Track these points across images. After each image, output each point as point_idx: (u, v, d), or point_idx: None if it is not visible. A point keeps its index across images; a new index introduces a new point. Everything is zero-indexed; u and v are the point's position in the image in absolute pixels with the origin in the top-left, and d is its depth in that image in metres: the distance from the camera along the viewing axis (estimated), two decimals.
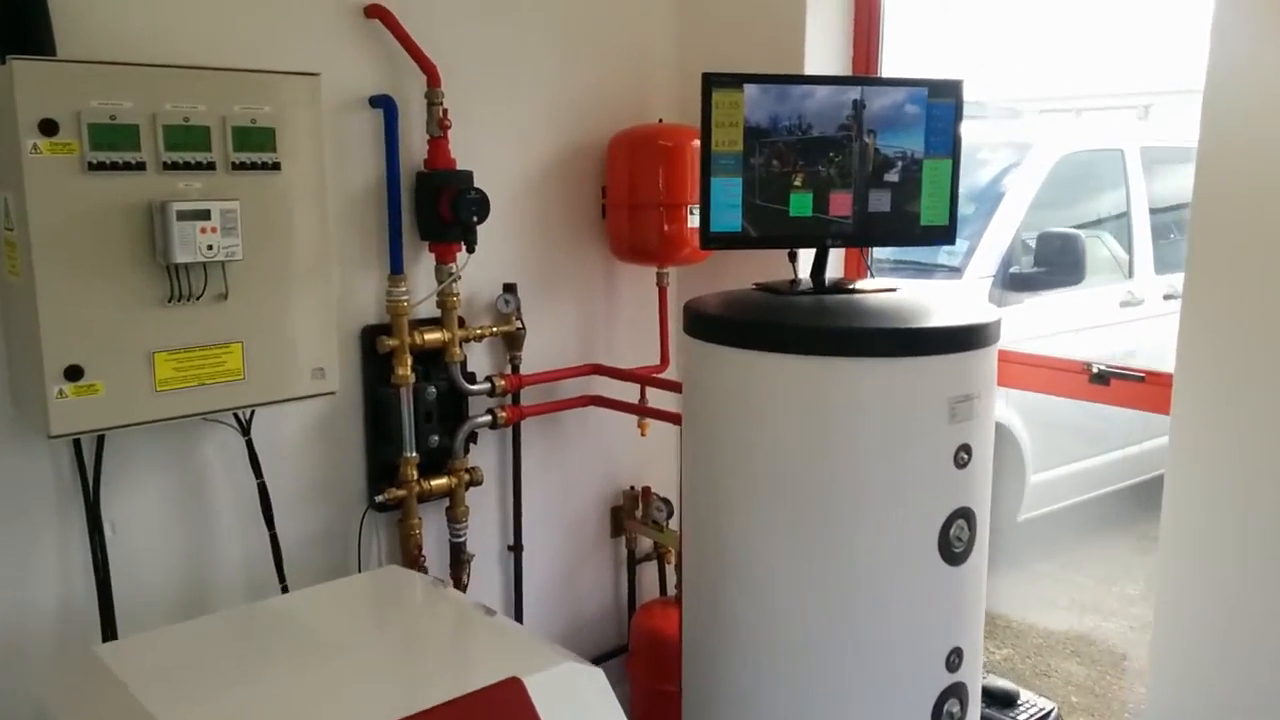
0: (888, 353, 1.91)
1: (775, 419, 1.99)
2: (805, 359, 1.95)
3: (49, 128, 1.82)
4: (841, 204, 2.30)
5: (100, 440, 2.13)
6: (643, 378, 2.91)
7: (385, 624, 2.03)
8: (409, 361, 2.52)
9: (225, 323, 2.06)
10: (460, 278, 2.60)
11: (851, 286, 2.33)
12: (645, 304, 3.07)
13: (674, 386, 2.79)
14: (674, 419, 2.74)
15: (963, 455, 1.94)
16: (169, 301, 1.98)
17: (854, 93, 2.26)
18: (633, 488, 3.12)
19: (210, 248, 1.97)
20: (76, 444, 2.11)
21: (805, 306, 2.15)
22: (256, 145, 2.06)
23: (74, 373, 1.89)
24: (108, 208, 1.89)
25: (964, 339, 1.95)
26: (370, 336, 2.52)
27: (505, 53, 2.70)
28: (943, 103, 2.29)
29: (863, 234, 2.32)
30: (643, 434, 2.98)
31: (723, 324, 2.08)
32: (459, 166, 2.56)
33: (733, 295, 2.32)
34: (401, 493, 2.55)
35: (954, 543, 1.95)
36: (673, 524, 2.96)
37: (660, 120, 2.92)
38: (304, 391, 2.20)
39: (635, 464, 3.15)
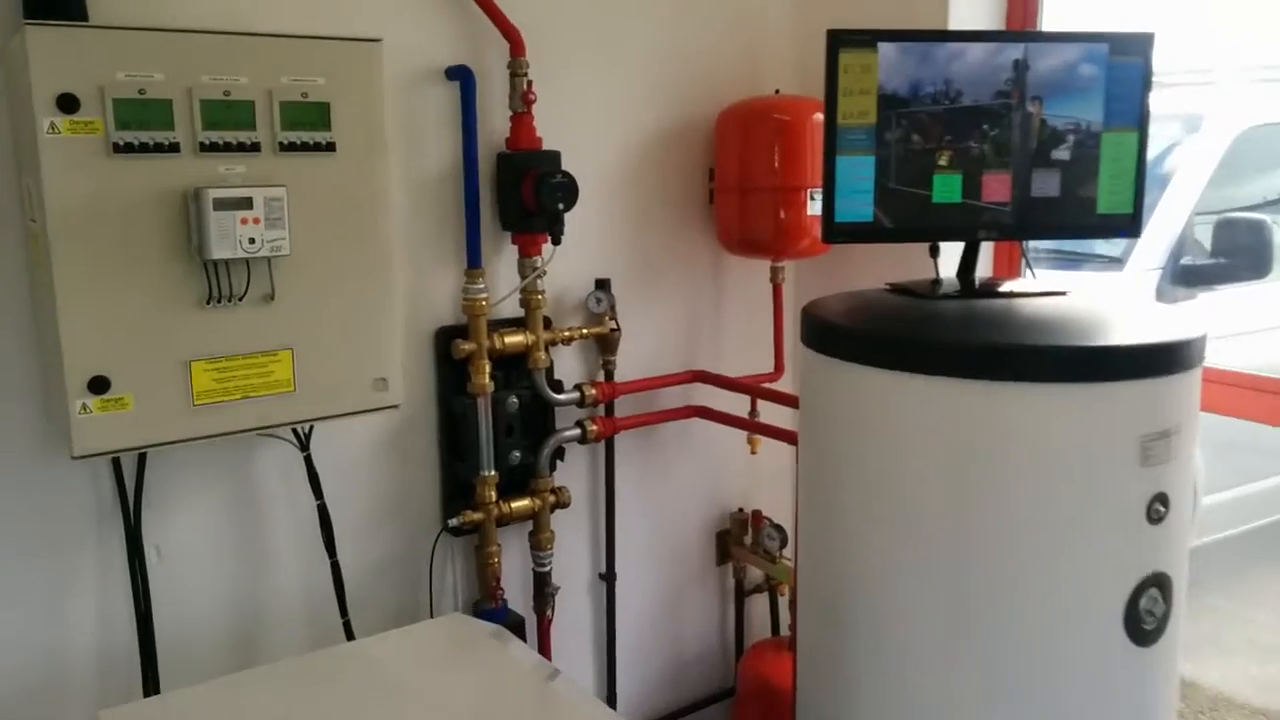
0: (1061, 377, 1.52)
1: (914, 454, 1.62)
2: (953, 382, 1.57)
3: (69, 104, 1.57)
4: (997, 187, 1.90)
5: (141, 456, 1.90)
6: (753, 388, 2.56)
7: (430, 693, 1.74)
8: (487, 368, 2.23)
9: (272, 327, 1.80)
10: (546, 273, 2.29)
11: (1009, 289, 1.93)
12: (757, 303, 2.71)
13: (790, 400, 2.43)
14: (789, 437, 2.38)
15: (1158, 507, 1.53)
16: (207, 303, 1.72)
17: (1015, 51, 1.86)
18: (741, 510, 2.78)
19: (253, 241, 1.71)
20: (115, 461, 1.89)
21: (952, 315, 1.77)
22: (308, 123, 1.79)
23: (99, 384, 1.65)
24: (136, 196, 1.65)
25: (1161, 360, 1.54)
26: (445, 340, 2.24)
27: (598, 16, 2.38)
28: (1127, 61, 1.86)
29: (1024, 224, 1.92)
30: (753, 451, 2.63)
31: (848, 336, 1.72)
32: (545, 146, 2.25)
33: (860, 299, 1.95)
34: (478, 516, 2.26)
35: (1144, 617, 1.54)
36: (787, 554, 2.61)
37: (777, 91, 2.55)
38: (363, 405, 1.93)
39: (744, 484, 2.81)
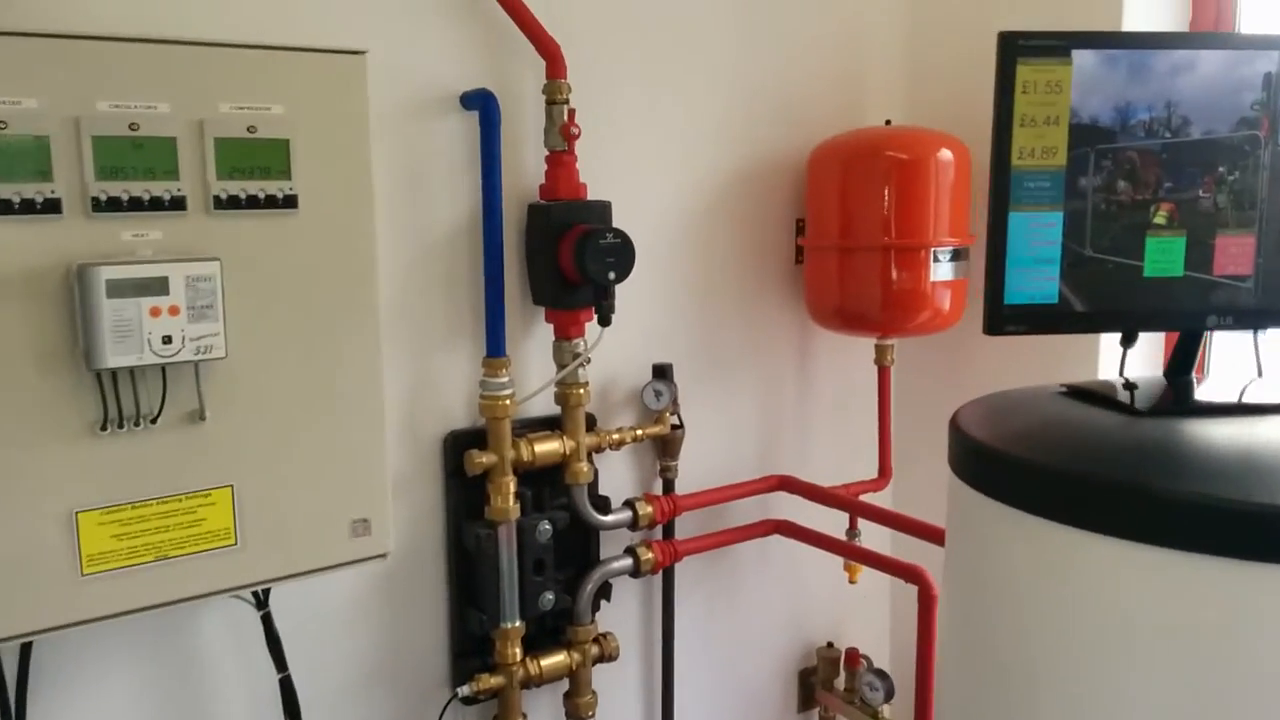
0: None
1: (1140, 656, 1.04)
2: (1216, 563, 0.99)
3: None
4: (1235, 255, 1.33)
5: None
6: (851, 500, 2.00)
7: None
8: (512, 486, 1.68)
9: (202, 458, 1.27)
10: (590, 360, 1.75)
11: (1254, 400, 1.35)
12: (857, 391, 2.15)
13: (904, 522, 1.86)
14: (905, 571, 1.81)
15: None
16: (102, 429, 1.19)
17: (1267, 61, 1.29)
18: (831, 645, 2.20)
19: (169, 341, 1.17)
20: None
21: (1190, 448, 1.19)
22: (258, 168, 1.26)
23: None
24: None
25: None
26: (456, 449, 1.70)
27: (659, 28, 1.84)
28: None
29: (1274, 307, 1.34)
30: (851, 580, 2.06)
31: (1034, 477, 1.14)
32: (589, 196, 1.71)
33: (1033, 409, 1.37)
34: (498, 680, 1.71)
35: None
36: (889, 711, 2.02)
37: (888, 123, 2.01)
38: (336, 558, 1.39)
39: (835, 614, 2.23)
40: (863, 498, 2.05)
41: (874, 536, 2.07)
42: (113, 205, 1.17)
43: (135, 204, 1.18)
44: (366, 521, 1.40)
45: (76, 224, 1.16)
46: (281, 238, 1.28)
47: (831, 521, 2.01)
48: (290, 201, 1.28)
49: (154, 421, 1.22)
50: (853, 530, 2.05)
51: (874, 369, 2.06)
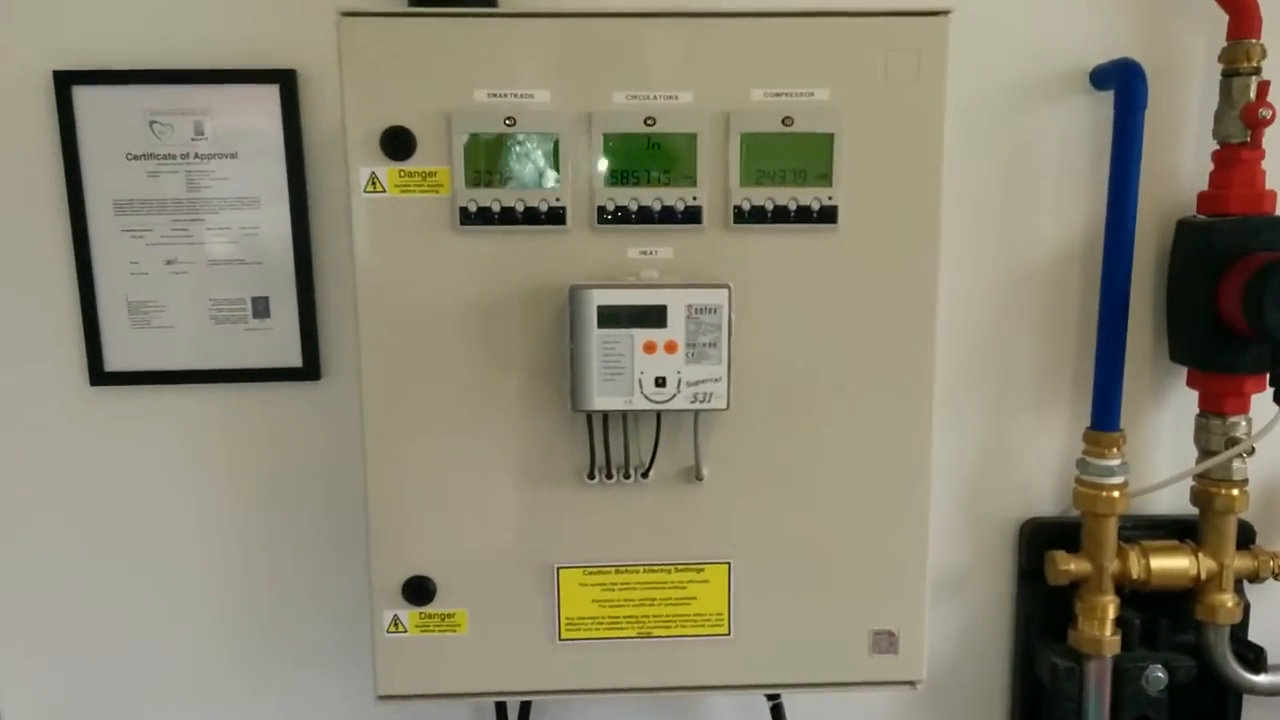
0: None
1: None
2: None
3: (398, 145, 0.98)
4: None
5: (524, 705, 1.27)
6: None
7: None
8: (1112, 610, 1.21)
9: (696, 525, 1.04)
10: (1254, 450, 1.19)
11: None
12: None
13: None
14: None
15: None
16: (590, 478, 1.02)
17: None
18: None
19: (662, 383, 0.96)
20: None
21: None
22: (790, 171, 0.99)
23: (419, 590, 1.04)
24: (496, 290, 1.00)
25: None
26: (1035, 542, 1.27)
27: None
28: None
29: None
30: None
31: None
32: (1278, 211, 1.16)
33: None
34: None
35: None
36: None
37: None
38: (845, 674, 1.07)
39: None
40: None
41: None
42: (620, 216, 0.98)
43: (645, 215, 0.98)
44: (893, 635, 1.06)
45: (580, 237, 0.99)
46: (813, 261, 1.00)
47: None
48: (829, 215, 0.99)
49: (645, 475, 1.02)
50: None
51: None
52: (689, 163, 0.98)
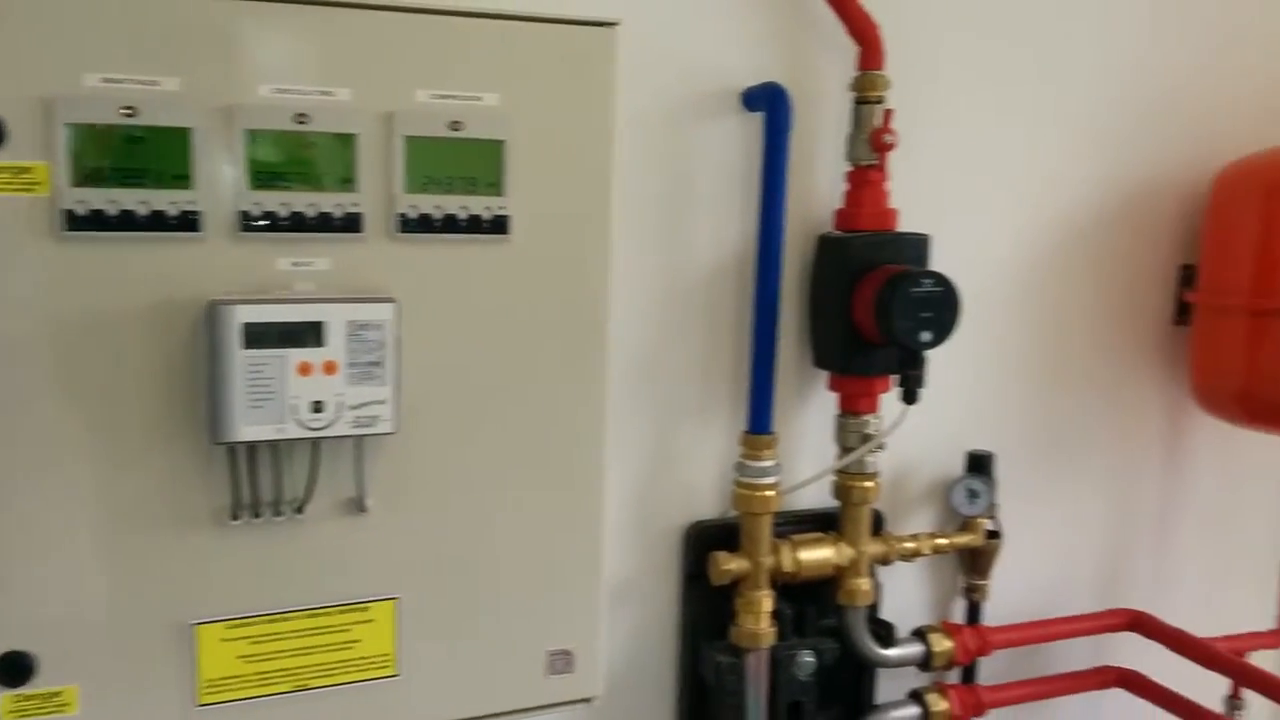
0: None
1: None
2: None
3: None
4: None
5: None
6: (1234, 661, 1.43)
7: None
8: (767, 604, 1.28)
9: (361, 561, 0.95)
10: (885, 446, 1.31)
11: None
12: (1252, 506, 1.57)
13: None
14: None
15: None
16: (233, 518, 0.90)
17: None
18: None
19: (319, 409, 0.86)
20: None
21: None
22: (459, 178, 0.93)
23: (16, 668, 0.86)
24: (108, 308, 0.86)
25: None
26: (700, 545, 1.31)
27: (1011, 9, 1.37)
28: None
29: None
30: None
31: None
32: (902, 227, 1.28)
33: None
34: None
35: None
36: None
37: None
38: (523, 700, 1.04)
39: None
40: (1251, 657, 1.48)
41: (1265, 714, 1.49)
42: (267, 224, 0.87)
43: (297, 222, 0.88)
44: (568, 654, 1.04)
45: (219, 247, 0.87)
46: (485, 273, 0.95)
47: (1198, 680, 1.45)
48: (500, 225, 0.95)
49: (299, 510, 0.92)
50: (1235, 700, 1.48)
51: None
52: (347, 166, 0.89)
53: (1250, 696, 1.46)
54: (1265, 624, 1.53)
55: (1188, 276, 1.51)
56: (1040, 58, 1.39)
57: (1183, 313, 1.51)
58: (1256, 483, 1.56)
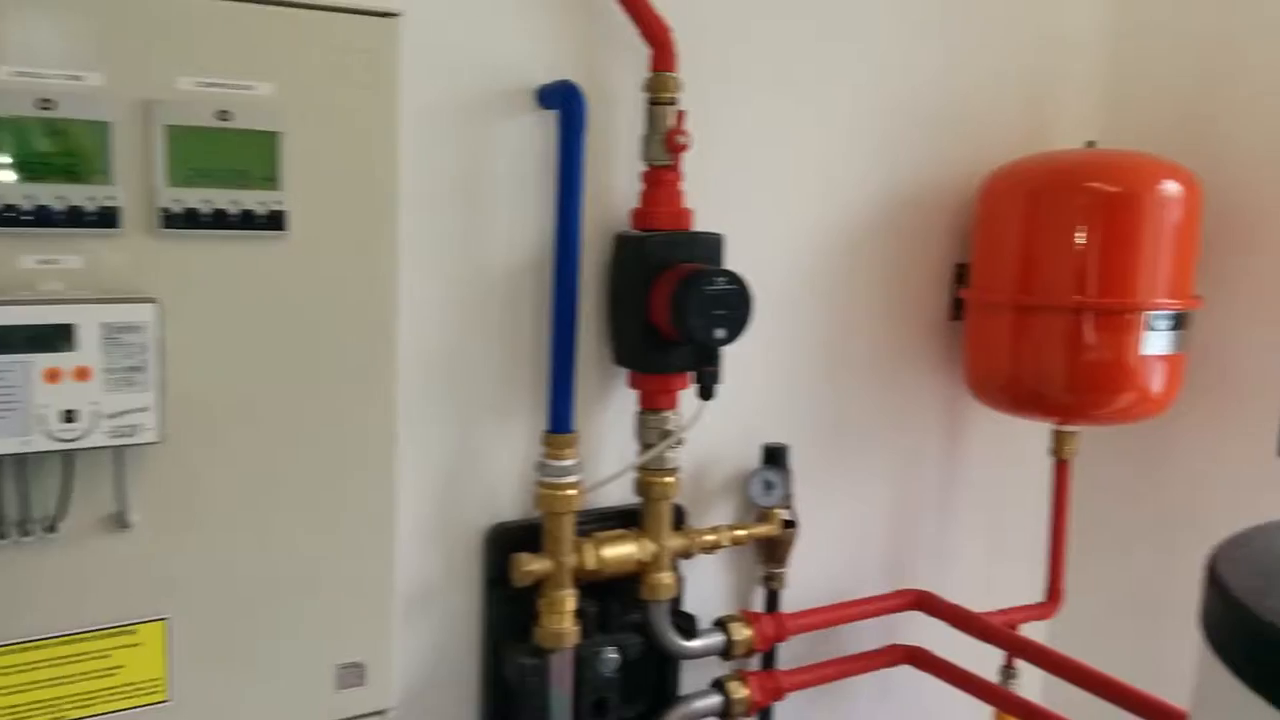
0: None
1: None
2: None
3: None
4: None
5: None
6: (1007, 633, 1.54)
7: None
8: (570, 603, 1.28)
9: (124, 581, 0.89)
10: (684, 441, 1.33)
11: None
12: (1023, 488, 1.69)
13: (1079, 672, 1.39)
14: None
15: None
16: None
17: None
18: None
19: (71, 418, 0.80)
20: None
21: None
22: (229, 171, 0.88)
23: None
24: None
25: None
26: (501, 547, 1.30)
27: (797, 15, 1.43)
28: None
29: None
30: None
31: None
32: (696, 227, 1.30)
33: None
34: None
35: None
36: None
37: (1091, 144, 1.55)
38: (311, 718, 0.99)
39: None
40: (1023, 628, 1.59)
41: (1036, 680, 1.61)
42: (10, 217, 0.80)
43: (44, 216, 0.81)
44: (360, 667, 1.01)
45: None
46: (260, 271, 0.90)
47: (978, 653, 1.55)
48: (276, 220, 0.90)
49: (51, 529, 0.84)
50: (1009, 669, 1.59)
51: (1048, 462, 1.60)
52: (99, 156, 0.83)
53: (1022, 665, 1.57)
54: (1036, 596, 1.65)
55: (961, 275, 1.61)
56: (824, 65, 1.45)
57: (957, 309, 1.62)
58: (1024, 466, 1.68)
